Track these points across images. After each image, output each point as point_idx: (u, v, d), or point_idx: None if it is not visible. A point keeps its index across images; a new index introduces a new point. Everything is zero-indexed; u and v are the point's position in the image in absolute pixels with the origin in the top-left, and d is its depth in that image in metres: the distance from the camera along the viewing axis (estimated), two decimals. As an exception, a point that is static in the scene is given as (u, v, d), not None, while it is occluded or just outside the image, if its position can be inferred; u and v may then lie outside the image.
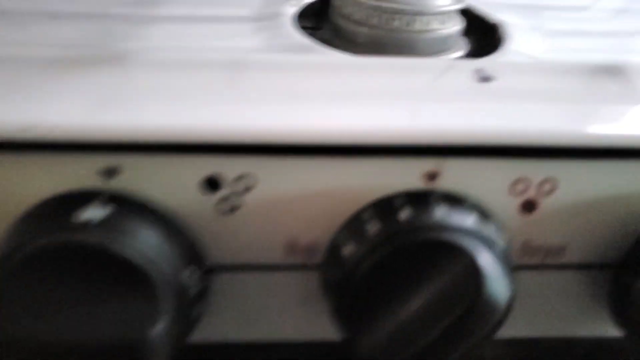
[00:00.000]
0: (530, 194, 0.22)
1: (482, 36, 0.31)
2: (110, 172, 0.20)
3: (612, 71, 0.25)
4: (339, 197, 0.21)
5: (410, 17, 0.28)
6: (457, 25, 0.29)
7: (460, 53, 0.30)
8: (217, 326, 0.24)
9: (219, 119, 0.20)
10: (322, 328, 0.23)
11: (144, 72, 0.22)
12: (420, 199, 0.20)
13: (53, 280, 0.19)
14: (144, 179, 0.21)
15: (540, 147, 0.21)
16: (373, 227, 0.20)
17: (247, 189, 0.21)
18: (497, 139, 0.20)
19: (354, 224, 0.21)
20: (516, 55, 0.28)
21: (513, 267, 0.23)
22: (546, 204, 0.22)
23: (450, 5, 0.28)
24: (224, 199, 0.21)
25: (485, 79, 0.23)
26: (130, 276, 0.19)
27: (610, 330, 0.25)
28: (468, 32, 0.31)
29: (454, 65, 0.24)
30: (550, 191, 0.22)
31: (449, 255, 0.19)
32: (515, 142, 0.20)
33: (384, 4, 0.28)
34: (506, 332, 0.23)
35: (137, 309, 0.19)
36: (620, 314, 0.23)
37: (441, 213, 0.20)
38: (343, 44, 0.29)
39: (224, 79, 0.22)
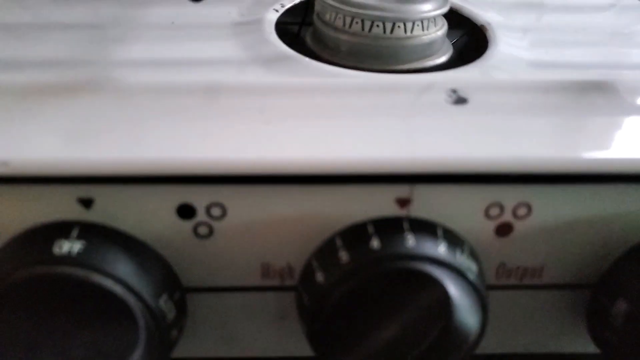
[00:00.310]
0: (505, 218, 0.22)
1: (471, 36, 0.31)
2: (87, 203, 0.21)
3: (592, 90, 0.25)
4: (311, 224, 0.21)
5: (392, 23, 0.28)
6: (440, 30, 0.29)
7: (445, 58, 0.29)
8: (198, 344, 0.24)
9: (189, 151, 0.20)
10: (301, 344, 0.24)
11: (118, 100, 0.22)
12: (391, 227, 0.21)
13: (33, 311, 0.19)
14: (120, 208, 0.21)
15: (513, 174, 0.21)
16: (344, 255, 0.20)
17: (220, 216, 0.21)
18: (468, 167, 0.20)
19: (325, 251, 0.21)
20: (498, 65, 0.27)
21: (491, 287, 0.23)
22: (521, 228, 0.22)
23: (433, 10, 0.28)
24: (199, 225, 0.21)
25: (460, 100, 0.23)
26: (110, 305, 0.19)
27: (589, 346, 0.25)
28: (456, 31, 0.31)
29: (429, 85, 0.24)
30: (525, 215, 0.22)
31: (420, 284, 0.19)
32: (487, 170, 0.20)
33: (365, 11, 0.28)
34: (486, 348, 0.24)
35: (116, 336, 0.20)
36: (596, 336, 0.23)
37: (412, 241, 0.20)
38: (325, 51, 0.29)
39: (196, 107, 0.22)
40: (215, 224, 0.21)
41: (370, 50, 0.28)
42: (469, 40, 0.31)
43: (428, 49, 0.29)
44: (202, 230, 0.22)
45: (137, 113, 0.22)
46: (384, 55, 0.28)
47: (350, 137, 0.21)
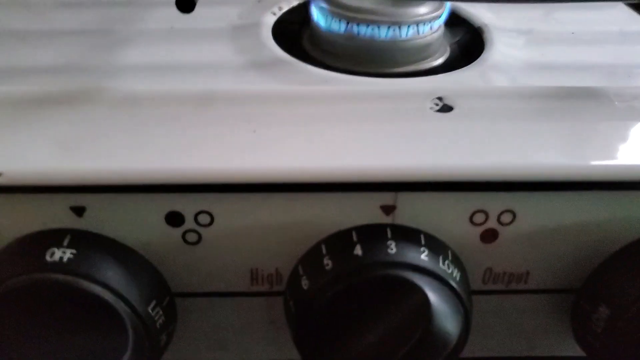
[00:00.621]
0: (490, 224, 0.22)
1: (469, 38, 0.31)
2: (79, 211, 0.21)
3: (580, 95, 0.25)
4: (299, 231, 0.22)
5: (387, 26, 0.28)
6: (436, 32, 0.29)
7: (441, 60, 0.30)
8: (189, 348, 0.25)
9: (178, 160, 0.21)
10: (291, 348, 0.24)
11: (111, 110, 0.23)
12: (374, 234, 0.21)
13: (25, 317, 0.20)
14: (110, 216, 0.21)
15: (497, 182, 0.21)
16: (329, 262, 0.21)
17: (208, 224, 0.22)
18: (452, 174, 0.21)
19: (311, 258, 0.21)
20: (494, 67, 0.28)
21: (478, 293, 0.23)
22: (506, 234, 0.22)
23: (429, 13, 0.28)
24: (188, 232, 0.22)
25: (445, 108, 0.23)
26: (100, 311, 0.20)
27: (575, 349, 0.25)
28: (454, 32, 0.31)
29: (417, 92, 0.24)
30: (510, 222, 0.22)
31: (401, 290, 0.20)
32: (471, 177, 0.21)
33: (362, 15, 0.28)
34: (473, 352, 0.24)
35: (107, 341, 0.20)
36: (580, 340, 0.23)
37: (395, 249, 0.20)
38: (322, 54, 0.29)
39: (187, 117, 0.23)
40: (204, 231, 0.22)
41: (366, 54, 0.28)
42: (468, 40, 0.31)
43: (424, 51, 0.29)
44: (191, 237, 0.22)
45: (129, 123, 0.22)
46: (380, 58, 0.29)
47: (335, 145, 0.22)
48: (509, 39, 0.30)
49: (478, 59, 0.28)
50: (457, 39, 0.32)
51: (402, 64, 0.29)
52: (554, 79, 0.27)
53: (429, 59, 0.30)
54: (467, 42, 0.31)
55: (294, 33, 0.32)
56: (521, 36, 0.31)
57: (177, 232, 0.22)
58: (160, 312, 0.21)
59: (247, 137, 0.22)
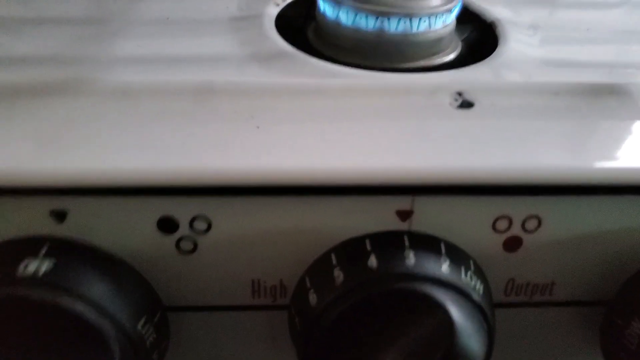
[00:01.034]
0: (514, 231, 0.20)
1: (480, 33, 0.30)
2: (60, 216, 0.19)
3: (605, 93, 0.23)
4: (306, 238, 0.20)
5: (398, 19, 0.26)
6: (448, 27, 0.27)
7: (453, 55, 0.28)
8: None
9: (172, 160, 0.19)
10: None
11: (96, 104, 0.21)
12: (390, 243, 0.19)
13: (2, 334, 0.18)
14: (95, 222, 0.19)
15: (522, 185, 0.19)
16: (340, 274, 0.18)
17: (205, 230, 0.20)
18: (474, 177, 0.19)
19: (320, 269, 0.19)
20: (509, 63, 0.26)
21: (499, 305, 0.21)
22: (531, 241, 0.21)
23: (442, 5, 0.27)
24: (182, 240, 0.20)
25: (465, 104, 0.21)
26: (82, 330, 0.18)
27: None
28: (465, 27, 0.29)
29: (434, 86, 0.23)
30: (535, 229, 0.20)
31: (421, 306, 0.18)
32: (494, 181, 0.19)
33: (370, 6, 0.26)
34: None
35: (90, 362, 0.18)
36: (610, 356, 0.21)
37: (413, 259, 0.18)
38: (327, 47, 0.27)
39: (182, 111, 0.21)
40: (200, 239, 0.20)
41: (375, 47, 0.27)
42: (478, 36, 0.30)
43: (435, 45, 0.27)
44: (186, 245, 0.20)
45: (118, 118, 0.20)
46: (389, 52, 0.27)
47: (347, 144, 0.20)
48: (522, 34, 0.29)
49: (492, 54, 0.27)
50: (467, 34, 0.30)
51: (413, 59, 0.27)
52: (573, 75, 0.25)
53: (440, 54, 0.28)
54: (478, 38, 0.30)
55: (298, 25, 0.30)
56: (534, 32, 0.29)
57: (170, 239, 0.20)
58: (151, 329, 0.19)
59: (250, 134, 0.20)
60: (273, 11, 0.30)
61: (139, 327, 0.18)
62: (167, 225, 0.19)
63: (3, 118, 0.20)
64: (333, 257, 0.19)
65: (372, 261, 0.18)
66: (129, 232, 0.20)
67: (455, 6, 0.27)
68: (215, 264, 0.20)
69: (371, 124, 0.21)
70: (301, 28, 0.29)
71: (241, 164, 0.19)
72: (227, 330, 0.22)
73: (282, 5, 0.31)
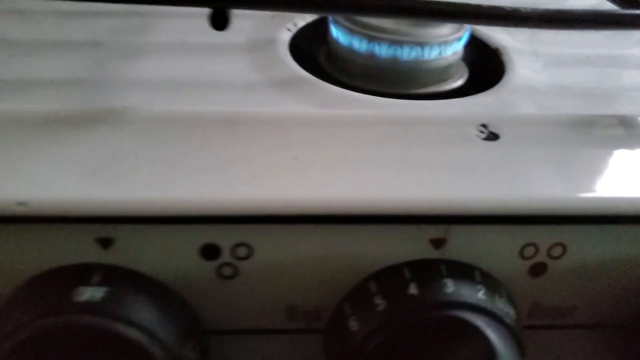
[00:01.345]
0: (539, 258, 0.21)
1: (485, 59, 0.31)
2: (106, 243, 0.19)
3: (619, 124, 0.24)
4: (341, 265, 0.21)
5: (410, 47, 0.27)
6: (457, 54, 0.28)
7: (461, 82, 0.29)
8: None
9: (214, 190, 0.19)
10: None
11: (136, 134, 0.21)
12: (428, 271, 0.20)
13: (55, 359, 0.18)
14: (140, 249, 0.20)
15: (548, 215, 0.20)
16: (381, 302, 0.19)
17: (245, 257, 0.20)
18: (504, 208, 0.20)
19: (359, 297, 0.20)
20: (518, 90, 0.27)
21: (524, 327, 0.22)
22: (555, 268, 0.22)
23: (451, 34, 0.28)
24: (224, 266, 0.20)
25: (492, 137, 0.22)
26: (135, 356, 0.18)
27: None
28: (470, 53, 0.30)
29: (458, 117, 0.24)
30: (560, 255, 0.21)
31: (460, 332, 0.19)
32: (522, 211, 0.20)
33: (385, 35, 0.27)
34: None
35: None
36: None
37: (452, 287, 0.19)
38: (340, 72, 0.28)
39: (218, 141, 0.21)
40: (241, 265, 0.20)
41: (388, 73, 0.28)
42: (484, 62, 0.31)
43: (446, 72, 0.29)
44: (227, 271, 0.20)
45: (157, 148, 0.21)
46: (402, 78, 0.28)
47: (381, 173, 0.20)
48: (528, 61, 0.30)
49: (502, 81, 0.28)
50: (472, 59, 0.31)
51: (424, 85, 0.28)
52: (585, 104, 0.27)
53: (449, 80, 0.29)
54: (484, 63, 0.31)
55: (309, 50, 0.31)
56: (539, 58, 0.31)
57: (212, 265, 0.20)
58: (197, 354, 0.20)
59: (287, 163, 0.20)
60: (286, 36, 0.30)
61: (187, 351, 0.19)
62: (209, 251, 0.20)
63: (49, 148, 0.20)
64: (373, 285, 0.20)
65: (413, 289, 0.19)
66: (172, 259, 0.20)
67: (463, 35, 0.28)
68: (254, 289, 0.21)
69: (402, 152, 0.21)
70: (312, 52, 0.30)
71: (281, 194, 0.19)
72: (262, 352, 0.22)
73: (295, 30, 0.31)
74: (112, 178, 0.19)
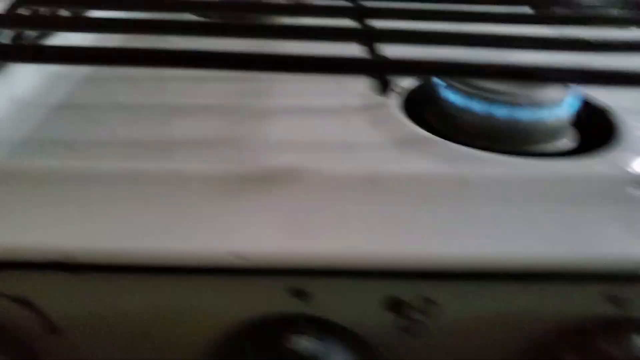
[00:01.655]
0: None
1: (590, 118, 0.31)
2: (299, 294, 0.20)
3: None
4: (521, 323, 0.21)
5: (517, 106, 0.28)
6: (566, 114, 0.29)
7: (570, 143, 0.29)
8: None
9: (395, 246, 0.20)
10: None
11: (319, 192, 0.23)
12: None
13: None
14: (331, 300, 0.20)
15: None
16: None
17: (431, 314, 0.21)
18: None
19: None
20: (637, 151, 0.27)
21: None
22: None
23: (559, 94, 0.28)
24: (411, 321, 0.21)
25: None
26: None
27: None
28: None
29: (606, 176, 0.24)
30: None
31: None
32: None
33: (490, 95, 0.28)
34: None
35: None
36: None
37: None
38: (453, 131, 0.29)
39: (385, 199, 0.22)
40: (425, 322, 0.21)
41: (505, 133, 0.28)
42: (589, 122, 0.31)
43: (554, 132, 0.29)
44: (414, 326, 0.21)
45: (337, 205, 0.22)
46: (520, 137, 0.28)
47: (556, 231, 0.21)
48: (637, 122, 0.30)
49: (619, 141, 0.28)
50: (579, 120, 0.32)
51: (540, 143, 0.29)
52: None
53: (559, 140, 0.30)
54: (589, 122, 0.31)
55: (416, 110, 0.32)
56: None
57: (399, 320, 0.21)
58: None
59: (455, 220, 0.21)
60: (394, 98, 0.32)
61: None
62: (396, 306, 0.20)
63: (252, 203, 0.21)
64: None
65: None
66: (359, 311, 0.21)
67: (577, 97, 0.30)
68: (439, 346, 0.21)
69: (565, 211, 0.22)
70: (420, 113, 0.31)
71: (463, 250, 0.20)
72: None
73: (404, 93, 0.33)
74: (307, 232, 0.20)
